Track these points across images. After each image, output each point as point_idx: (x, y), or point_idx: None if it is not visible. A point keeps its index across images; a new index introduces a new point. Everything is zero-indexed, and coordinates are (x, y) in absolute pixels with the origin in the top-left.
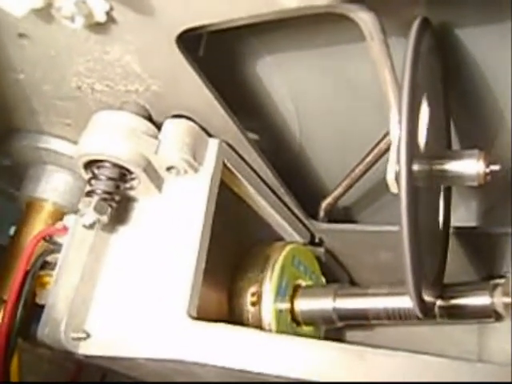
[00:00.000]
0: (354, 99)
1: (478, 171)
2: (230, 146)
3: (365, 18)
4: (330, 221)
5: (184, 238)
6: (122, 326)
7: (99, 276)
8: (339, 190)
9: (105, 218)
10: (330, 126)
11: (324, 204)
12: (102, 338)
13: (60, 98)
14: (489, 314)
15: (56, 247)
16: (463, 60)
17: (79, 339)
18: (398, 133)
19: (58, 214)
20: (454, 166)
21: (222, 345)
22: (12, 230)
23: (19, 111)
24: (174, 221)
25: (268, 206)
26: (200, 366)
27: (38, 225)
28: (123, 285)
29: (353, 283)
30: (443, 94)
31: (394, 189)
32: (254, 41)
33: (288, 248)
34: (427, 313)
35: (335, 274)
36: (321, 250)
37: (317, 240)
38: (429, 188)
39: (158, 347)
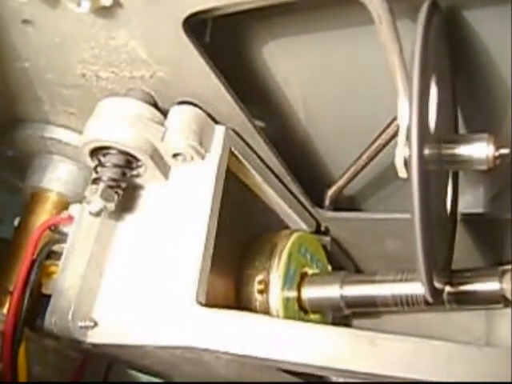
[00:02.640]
0: (360, 84)
1: (487, 155)
2: (236, 133)
3: (373, 1)
4: (336, 209)
5: (191, 225)
6: (130, 313)
7: (106, 264)
8: (345, 177)
9: (111, 206)
10: (337, 113)
11: (330, 192)
12: (110, 326)
13: (65, 86)
14: (497, 300)
15: (61, 237)
16: (471, 43)
17: (87, 328)
18: (406, 117)
19: (63, 204)
20: (463, 150)
21: (232, 331)
22: (17, 221)
23: (24, 100)
24: (181, 207)
25: (274, 194)
26: (209, 353)
27: (43, 215)
28: (130, 272)
29: (359, 272)
30: (451, 77)
31: (402, 173)
32: (260, 26)
33: (295, 236)
34: (437, 297)
35: (341, 263)
36: (327, 238)
37: (323, 229)
38: (437, 173)
39: (166, 334)
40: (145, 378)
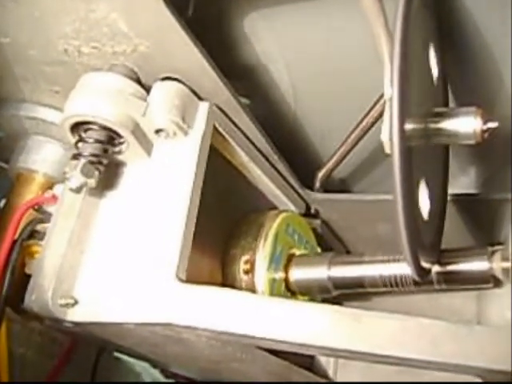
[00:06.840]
0: (349, 58)
1: (474, 129)
2: (221, 109)
3: None
4: (327, 191)
5: (172, 201)
6: (111, 291)
7: (87, 241)
8: (335, 158)
9: (92, 182)
10: (324, 89)
11: (320, 174)
12: (91, 304)
13: (47, 63)
14: (487, 280)
15: (45, 216)
16: (460, 16)
17: (67, 305)
18: (391, 90)
19: (49, 185)
20: (450, 124)
21: (212, 308)
22: (2, 203)
23: (6, 79)
24: (164, 184)
25: (261, 174)
26: (190, 331)
27: (29, 196)
28: (112, 250)
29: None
30: (439, 50)
31: (388, 149)
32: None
33: (282, 216)
34: (424, 276)
35: (332, 246)
36: (317, 221)
37: (313, 211)
38: (424, 149)
39: (146, 311)
40: (138, 365)
